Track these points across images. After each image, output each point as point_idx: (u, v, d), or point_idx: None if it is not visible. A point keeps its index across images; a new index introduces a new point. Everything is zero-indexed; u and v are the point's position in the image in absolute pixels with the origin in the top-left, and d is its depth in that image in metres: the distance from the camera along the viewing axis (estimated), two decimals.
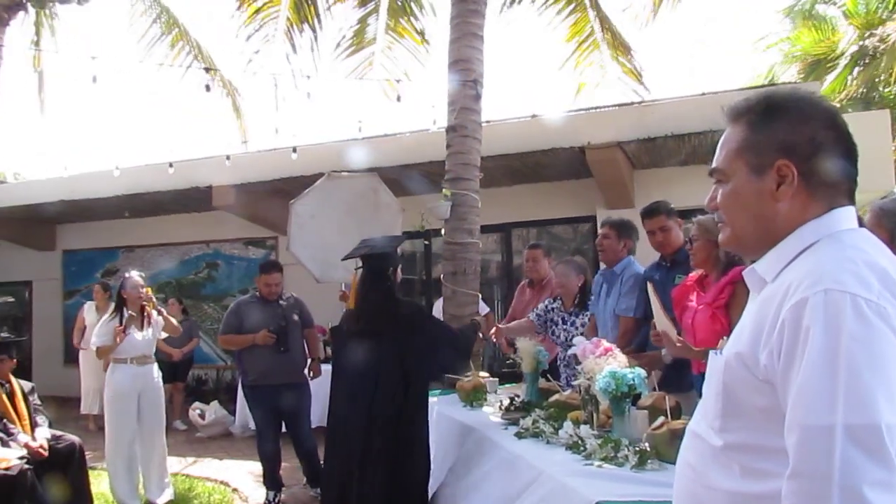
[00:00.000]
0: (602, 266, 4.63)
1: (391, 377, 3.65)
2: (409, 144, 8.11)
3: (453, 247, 5.42)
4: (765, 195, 1.20)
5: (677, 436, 2.45)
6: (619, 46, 8.11)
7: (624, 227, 4.38)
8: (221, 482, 6.20)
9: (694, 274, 3.45)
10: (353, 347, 3.77)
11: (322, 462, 4.45)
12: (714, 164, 1.30)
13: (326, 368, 6.35)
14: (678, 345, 3.07)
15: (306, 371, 5.79)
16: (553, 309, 4.74)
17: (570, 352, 3.81)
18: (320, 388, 6.39)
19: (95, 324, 8.75)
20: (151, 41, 8.36)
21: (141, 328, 5.40)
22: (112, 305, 8.66)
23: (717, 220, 1.31)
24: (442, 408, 4.32)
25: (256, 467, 6.08)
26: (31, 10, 8.34)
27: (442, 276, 5.60)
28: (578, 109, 7.98)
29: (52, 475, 4.72)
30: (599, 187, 8.27)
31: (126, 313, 5.37)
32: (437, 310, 7.30)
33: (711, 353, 1.26)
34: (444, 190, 5.46)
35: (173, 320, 5.73)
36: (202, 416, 8.32)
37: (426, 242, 8.60)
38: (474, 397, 4.20)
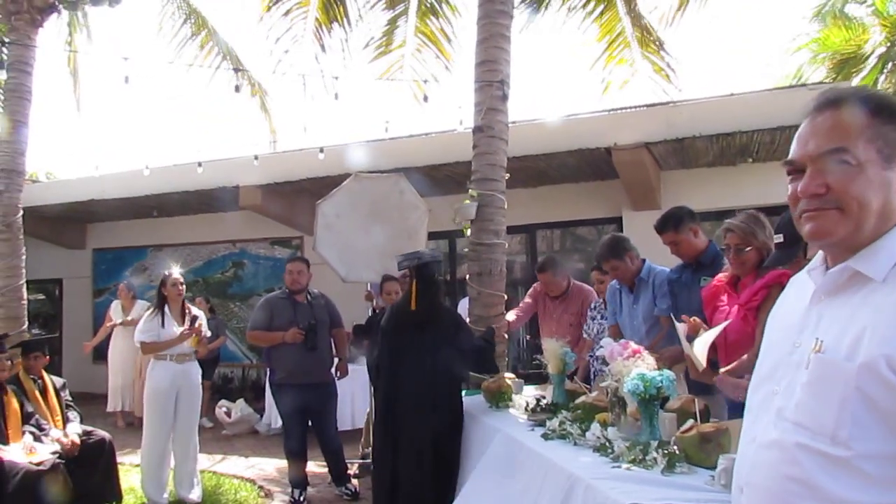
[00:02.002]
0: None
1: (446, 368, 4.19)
2: (435, 145, 8.12)
3: (479, 247, 5.42)
4: (893, 186, 1.16)
5: (707, 439, 2.44)
6: (651, 43, 8.05)
7: (616, 249, 4.43)
8: (248, 479, 6.25)
9: (724, 275, 3.42)
10: (412, 342, 4.27)
11: (372, 448, 4.89)
12: (837, 145, 1.19)
13: (353, 368, 6.42)
14: (701, 371, 3.08)
15: (333, 370, 5.81)
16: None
17: (597, 353, 3.80)
18: (346, 388, 6.45)
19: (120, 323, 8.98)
20: (182, 42, 8.45)
21: (182, 324, 5.47)
22: (137, 304, 8.91)
23: (811, 208, 1.21)
24: (467, 408, 4.32)
25: (282, 465, 6.13)
26: (64, 11, 8.45)
27: (468, 276, 5.60)
28: (605, 110, 7.94)
29: (83, 470, 4.80)
30: (625, 188, 8.22)
31: (167, 310, 5.45)
32: (463, 310, 7.30)
33: (820, 357, 1.15)
34: (470, 191, 5.46)
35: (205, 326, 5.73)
36: (228, 413, 8.40)
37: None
38: (500, 398, 4.20)
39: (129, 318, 8.86)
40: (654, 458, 2.50)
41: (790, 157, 1.26)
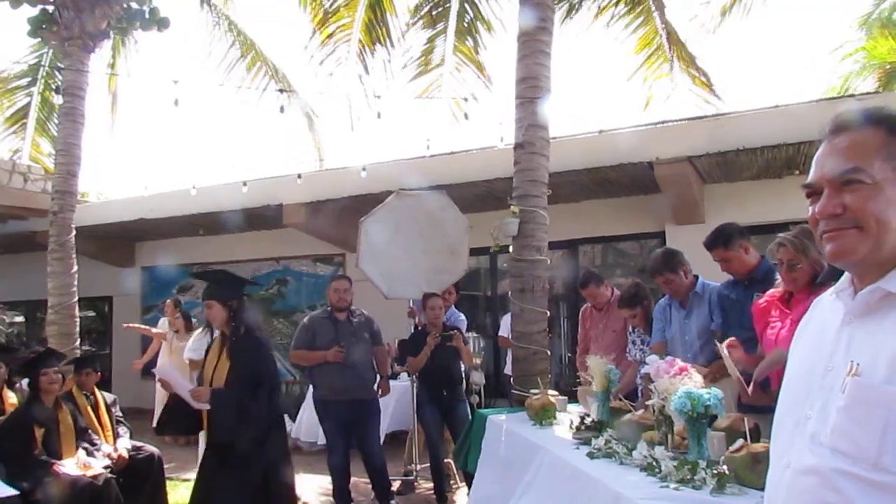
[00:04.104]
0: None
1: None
2: (476, 162, 8.15)
3: (521, 264, 5.41)
4: None
5: (758, 459, 2.38)
6: (687, 57, 8.01)
7: (671, 263, 4.40)
8: None
9: (775, 291, 3.36)
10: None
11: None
12: (852, 165, 1.20)
13: (395, 385, 6.44)
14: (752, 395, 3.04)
15: (375, 388, 5.84)
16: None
17: (642, 371, 3.76)
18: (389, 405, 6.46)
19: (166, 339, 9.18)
20: (231, 64, 8.66)
21: None
22: (180, 320, 9.09)
23: (830, 228, 1.22)
24: (511, 425, 4.30)
25: (326, 481, 6.17)
26: (115, 36, 8.74)
27: (510, 293, 5.59)
28: (647, 124, 7.88)
29: (133, 485, 4.90)
30: (668, 203, 8.14)
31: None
32: (505, 326, 7.31)
33: (857, 381, 1.13)
34: (511, 207, 5.46)
35: None
36: None
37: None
38: (543, 416, 4.18)
39: (155, 329, 9.12)
40: (703, 479, 2.45)
41: (808, 180, 1.27)
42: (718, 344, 3.26)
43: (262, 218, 9.95)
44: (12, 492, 3.95)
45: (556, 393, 4.66)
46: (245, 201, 9.19)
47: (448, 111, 8.29)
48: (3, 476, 4.13)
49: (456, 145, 8.88)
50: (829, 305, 1.31)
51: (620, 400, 4.08)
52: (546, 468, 3.41)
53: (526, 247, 5.41)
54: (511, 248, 5.54)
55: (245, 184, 8.74)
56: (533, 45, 5.66)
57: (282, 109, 7.46)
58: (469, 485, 5.19)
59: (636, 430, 3.23)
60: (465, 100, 7.65)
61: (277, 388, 4.31)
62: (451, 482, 6.22)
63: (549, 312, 5.56)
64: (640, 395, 5.00)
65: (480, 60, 8.26)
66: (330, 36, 8.25)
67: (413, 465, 6.40)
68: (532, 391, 4.53)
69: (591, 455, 3.14)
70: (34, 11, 7.63)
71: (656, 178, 7.59)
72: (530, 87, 5.59)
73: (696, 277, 4.45)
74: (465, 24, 8.17)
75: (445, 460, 6.02)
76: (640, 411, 3.60)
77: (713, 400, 2.72)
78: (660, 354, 4.25)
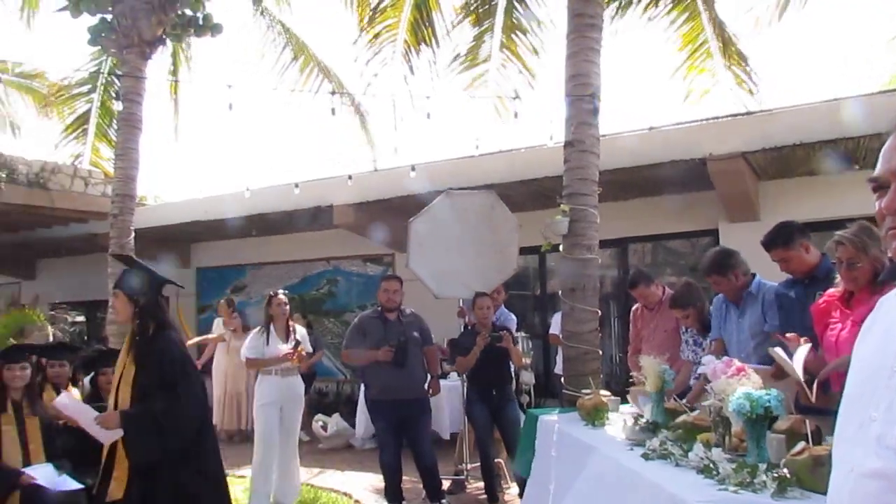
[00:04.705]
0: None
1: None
2: (525, 160, 8.11)
3: (572, 263, 5.38)
4: None
5: (820, 462, 2.32)
6: (733, 55, 7.86)
7: (720, 266, 4.31)
8: (344, 493, 6.39)
9: (835, 290, 3.27)
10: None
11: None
12: None
13: (445, 385, 6.47)
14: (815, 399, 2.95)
15: (426, 387, 5.87)
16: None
17: (698, 370, 3.70)
18: (440, 404, 6.49)
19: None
20: (283, 67, 8.82)
21: (286, 341, 5.71)
22: (237, 320, 9.31)
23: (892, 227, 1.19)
24: (563, 425, 4.28)
25: (377, 480, 6.23)
26: (169, 43, 8.96)
27: (560, 292, 5.56)
28: (698, 120, 7.74)
29: None
30: (722, 200, 7.97)
31: (272, 329, 5.71)
32: (556, 325, 7.26)
33: None
34: (561, 206, 5.43)
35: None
36: (325, 428, 8.60)
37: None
38: (596, 416, 4.14)
39: (213, 332, 9.35)
40: (764, 482, 2.40)
41: (875, 173, 1.22)
42: (776, 350, 3.17)
43: (312, 219, 10.09)
44: (79, 486, 4.10)
45: (608, 393, 4.61)
46: (296, 202, 9.33)
47: (494, 109, 8.28)
48: (68, 470, 4.28)
49: (504, 144, 8.85)
50: (895, 304, 1.27)
51: (676, 401, 4.03)
52: (599, 469, 3.38)
53: (576, 245, 5.38)
54: (561, 247, 5.51)
55: (297, 185, 8.88)
56: (582, 43, 5.62)
57: (333, 112, 7.55)
58: (520, 485, 5.19)
59: (691, 432, 3.18)
60: (516, 98, 7.62)
61: (193, 394, 3.65)
62: (502, 482, 6.21)
63: (599, 312, 5.51)
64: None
65: (527, 57, 8.23)
66: (376, 37, 8.32)
67: (463, 465, 6.41)
68: (584, 391, 4.50)
69: (645, 456, 3.10)
70: (94, 20, 7.88)
71: (709, 175, 7.44)
72: (580, 84, 5.55)
73: (754, 276, 4.35)
74: (514, 21, 8.15)
75: (496, 460, 6.02)
76: (696, 412, 3.54)
77: (774, 401, 2.66)
78: (717, 353, 4.20)
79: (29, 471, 4.14)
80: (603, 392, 4.53)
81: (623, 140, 7.57)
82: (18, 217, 10.78)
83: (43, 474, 4.14)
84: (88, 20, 7.87)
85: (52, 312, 12.19)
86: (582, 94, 5.53)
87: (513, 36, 8.09)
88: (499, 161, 8.44)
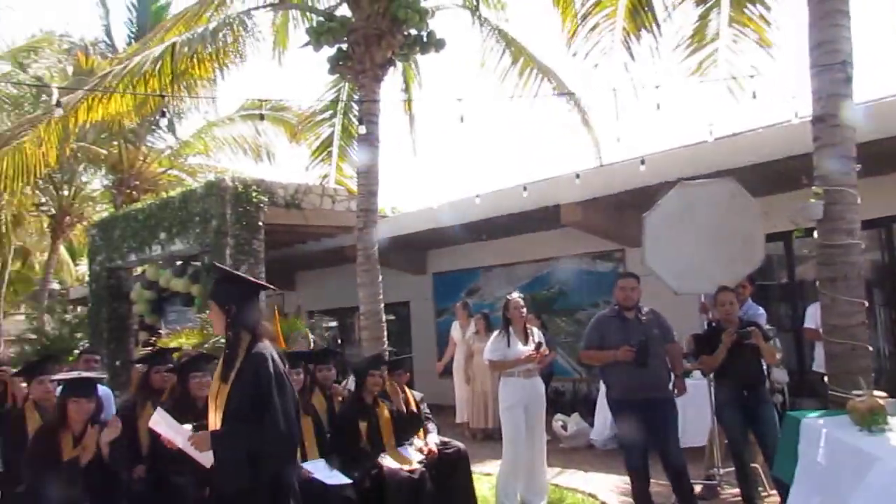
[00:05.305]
0: None
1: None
2: (765, 141, 7.49)
3: (830, 250, 4.87)
4: None
5: None
6: None
7: None
8: (589, 494, 6.34)
9: None
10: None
11: None
12: None
13: (691, 384, 6.16)
14: None
15: (670, 387, 5.64)
16: None
17: None
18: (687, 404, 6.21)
19: (461, 340, 9.82)
20: (504, 72, 9.00)
21: (525, 343, 5.84)
22: (473, 323, 9.65)
23: None
24: (831, 430, 3.87)
25: (621, 482, 6.11)
26: (399, 64, 9.51)
27: (818, 282, 5.06)
28: None
29: (442, 479, 5.27)
30: None
31: (511, 331, 5.87)
32: (811, 317, 6.66)
33: None
34: (813, 188, 4.94)
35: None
36: (564, 427, 8.61)
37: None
38: (872, 421, 3.69)
39: (465, 336, 9.70)
40: None
41: None
42: None
43: (540, 219, 10.15)
44: (348, 480, 4.49)
45: (883, 394, 4.11)
46: (524, 204, 9.45)
47: (726, 89, 7.74)
48: (338, 466, 4.70)
49: (739, 126, 8.24)
50: None
51: None
52: (885, 482, 3.01)
53: (835, 230, 4.87)
54: (815, 233, 5.02)
55: (525, 188, 9.00)
56: (827, 5, 5.07)
57: (560, 114, 7.56)
58: (780, 492, 4.79)
59: None
60: (752, 77, 7.06)
61: (282, 416, 3.28)
62: (760, 489, 5.78)
63: (866, 303, 4.94)
64: None
65: (763, 28, 7.58)
66: (594, 28, 8.17)
67: (715, 469, 6.07)
68: (854, 392, 4.04)
69: None
70: (332, 51, 8.60)
71: None
72: (828, 52, 5.01)
73: None
74: None
75: (752, 465, 5.62)
76: None
77: None
78: None
79: (306, 466, 4.60)
80: (877, 392, 4.04)
81: (881, 107, 6.70)
82: (279, 235, 12.09)
83: (317, 468, 4.59)
84: (327, 52, 8.60)
85: (311, 320, 13.47)
86: (830, 63, 4.98)
87: (744, 10, 7.50)
88: (735, 144, 7.89)
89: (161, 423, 3.53)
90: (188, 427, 3.45)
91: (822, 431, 3.92)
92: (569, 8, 8.28)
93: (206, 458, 3.30)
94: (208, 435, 3.32)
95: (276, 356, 3.39)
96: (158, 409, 3.81)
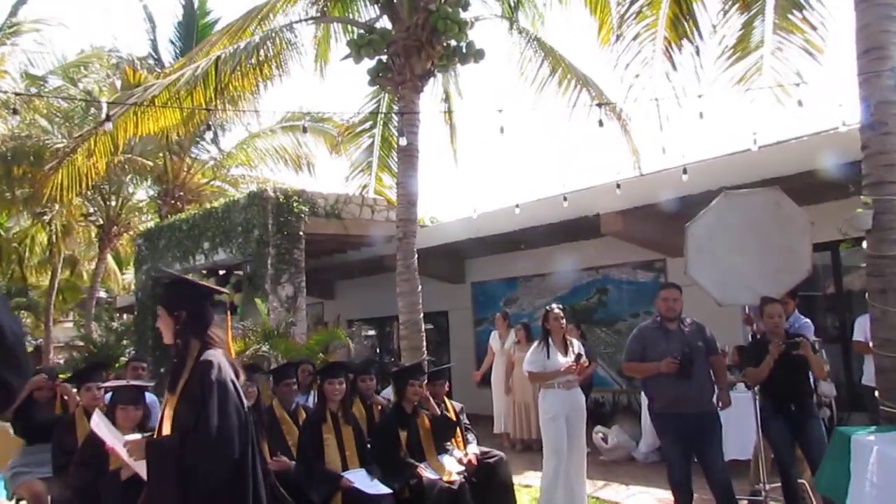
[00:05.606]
0: None
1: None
2: (812, 149, 7.36)
3: (880, 261, 4.75)
4: None
5: None
6: None
7: None
8: None
9: None
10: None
11: None
12: None
13: (736, 396, 6.05)
14: None
15: (714, 400, 5.54)
16: None
17: None
18: (731, 417, 6.10)
19: (500, 350, 9.79)
20: (542, 82, 8.98)
21: (564, 354, 5.81)
22: (513, 332, 9.62)
23: None
24: (884, 447, 3.77)
25: (664, 496, 6.01)
26: (439, 75, 9.56)
27: (867, 294, 4.94)
28: None
29: (482, 488, 5.25)
30: None
31: (550, 342, 5.85)
32: (860, 329, 6.50)
33: None
34: (862, 197, 4.84)
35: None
36: (605, 439, 8.51)
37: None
38: None
39: (505, 345, 9.66)
40: None
41: None
42: None
43: (579, 229, 10.09)
44: (388, 490, 4.50)
45: None
46: (563, 214, 9.41)
47: (774, 98, 7.61)
48: (378, 476, 4.71)
49: (784, 135, 8.10)
50: None
51: None
52: None
53: (885, 241, 4.76)
54: (864, 244, 4.91)
55: (565, 198, 8.96)
56: (876, 11, 4.98)
57: (600, 123, 7.50)
58: None
59: None
60: (798, 85, 6.93)
61: (216, 423, 2.95)
62: None
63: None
64: None
65: (808, 34, 7.45)
66: (635, 38, 8.11)
67: (761, 485, 5.94)
68: None
69: None
70: (372, 63, 8.68)
71: None
72: (876, 59, 4.92)
73: None
74: None
75: (799, 481, 5.48)
76: None
77: None
78: None
79: (347, 475, 4.63)
80: None
81: None
82: (320, 245, 12.24)
83: (358, 478, 4.61)
84: (367, 63, 8.69)
85: (351, 329, 13.58)
86: (879, 70, 4.88)
87: (788, 16, 7.38)
88: (780, 153, 7.76)
89: (101, 426, 3.36)
90: (135, 435, 3.31)
91: (874, 448, 3.81)
92: (607, 18, 8.25)
93: (142, 467, 3.05)
94: (143, 442, 3.11)
95: (224, 363, 3.12)
96: (97, 412, 3.65)
